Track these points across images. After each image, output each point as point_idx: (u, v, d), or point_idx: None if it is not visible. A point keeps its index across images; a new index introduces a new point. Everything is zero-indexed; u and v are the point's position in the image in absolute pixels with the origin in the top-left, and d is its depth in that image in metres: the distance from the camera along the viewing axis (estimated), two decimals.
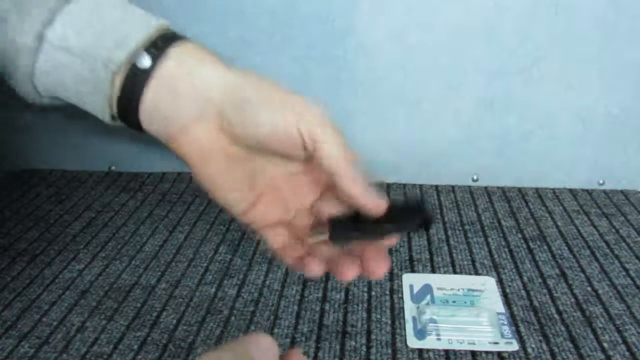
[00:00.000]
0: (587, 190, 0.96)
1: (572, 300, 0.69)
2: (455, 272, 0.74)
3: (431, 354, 0.60)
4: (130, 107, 0.36)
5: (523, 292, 0.70)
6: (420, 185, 0.97)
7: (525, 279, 0.73)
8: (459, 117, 0.93)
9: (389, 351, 0.60)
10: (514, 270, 0.74)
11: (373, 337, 0.62)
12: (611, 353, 0.60)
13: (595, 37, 0.87)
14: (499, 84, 0.91)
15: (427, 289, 0.70)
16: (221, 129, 0.36)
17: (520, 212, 0.89)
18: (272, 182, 0.39)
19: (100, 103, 0.36)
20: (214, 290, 0.70)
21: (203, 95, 0.35)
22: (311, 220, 0.40)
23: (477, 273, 0.74)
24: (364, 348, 0.61)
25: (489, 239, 0.81)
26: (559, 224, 0.86)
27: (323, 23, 0.89)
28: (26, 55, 0.35)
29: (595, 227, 0.85)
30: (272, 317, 0.65)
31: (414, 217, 0.36)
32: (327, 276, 0.72)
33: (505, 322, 0.64)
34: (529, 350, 0.61)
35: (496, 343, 0.61)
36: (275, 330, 0.63)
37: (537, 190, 0.96)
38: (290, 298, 0.69)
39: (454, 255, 0.77)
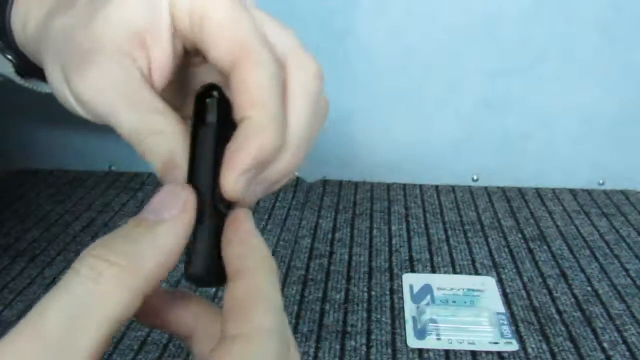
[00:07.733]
0: (587, 190, 0.96)
1: (572, 300, 0.69)
2: (455, 272, 0.74)
3: (431, 353, 0.60)
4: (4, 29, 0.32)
5: (523, 292, 0.70)
6: (420, 185, 0.97)
7: (525, 279, 0.73)
8: (459, 117, 0.93)
9: (389, 351, 0.60)
10: (514, 270, 0.74)
11: (373, 337, 0.62)
12: (611, 353, 0.60)
13: (595, 37, 0.87)
14: (499, 84, 0.91)
15: (427, 288, 0.70)
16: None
17: (520, 212, 0.89)
18: None
19: None
20: (213, 290, 0.70)
21: None
22: None
23: (477, 273, 0.74)
24: (364, 348, 0.61)
25: (489, 239, 0.81)
26: (559, 224, 0.86)
27: (323, 23, 0.89)
28: None
29: (595, 227, 0.85)
30: None
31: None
32: (327, 276, 0.72)
33: (505, 322, 0.64)
34: (529, 350, 0.61)
35: (496, 343, 0.61)
36: None
37: (537, 190, 0.96)
38: (290, 298, 0.69)
39: (454, 255, 0.77)
